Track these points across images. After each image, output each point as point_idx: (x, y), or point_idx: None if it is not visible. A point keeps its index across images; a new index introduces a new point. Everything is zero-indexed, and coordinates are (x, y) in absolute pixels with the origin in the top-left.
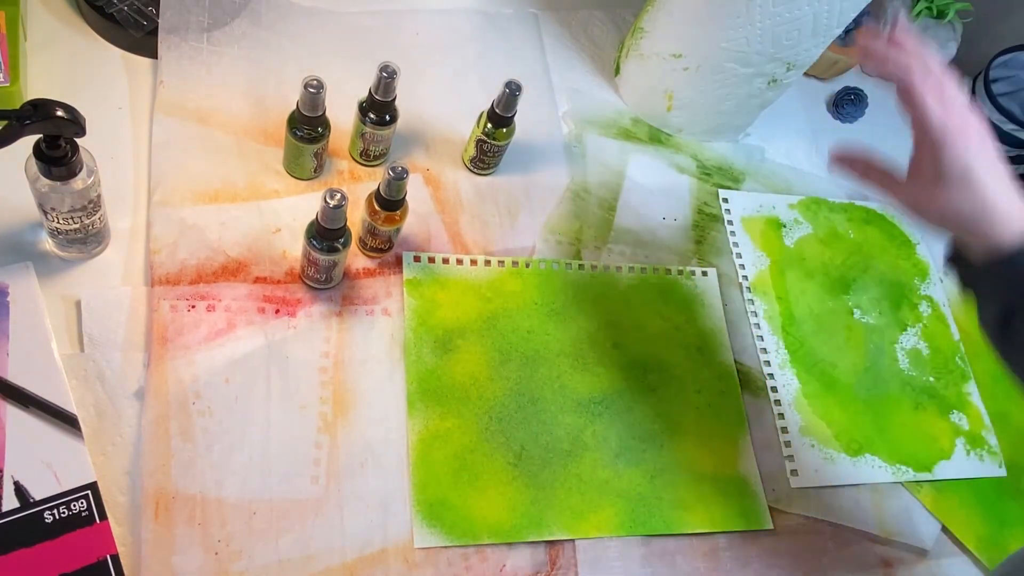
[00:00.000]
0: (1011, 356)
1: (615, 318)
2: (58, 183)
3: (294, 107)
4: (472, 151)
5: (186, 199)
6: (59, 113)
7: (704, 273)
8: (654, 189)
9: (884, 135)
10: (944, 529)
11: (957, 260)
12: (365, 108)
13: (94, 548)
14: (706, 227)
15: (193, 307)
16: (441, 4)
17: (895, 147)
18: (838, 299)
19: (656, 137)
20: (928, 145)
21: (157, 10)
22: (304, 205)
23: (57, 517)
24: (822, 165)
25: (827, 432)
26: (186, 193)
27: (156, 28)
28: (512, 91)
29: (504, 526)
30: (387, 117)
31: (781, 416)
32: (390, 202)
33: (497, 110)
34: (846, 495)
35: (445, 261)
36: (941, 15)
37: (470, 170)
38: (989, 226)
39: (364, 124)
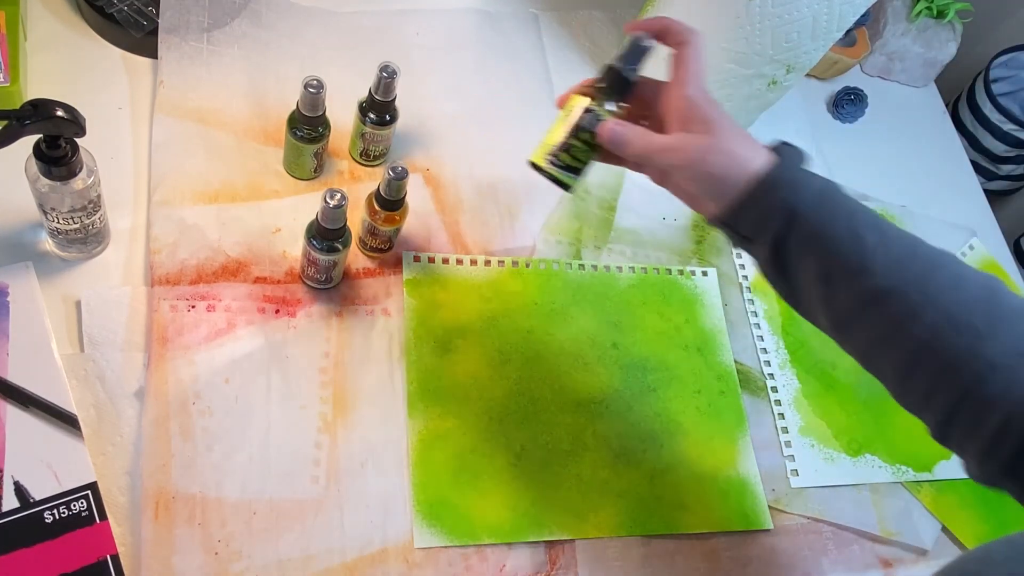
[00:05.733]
0: (796, 292)
1: (615, 318)
2: (58, 183)
3: (294, 107)
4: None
5: (186, 199)
6: (59, 113)
7: (704, 273)
8: (654, 189)
9: (884, 135)
10: (944, 529)
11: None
12: (365, 108)
13: (94, 548)
14: (706, 227)
15: (193, 307)
16: (441, 4)
17: (896, 148)
18: None
19: None
20: (688, 100)
21: (157, 10)
22: (304, 205)
23: (57, 517)
24: (822, 165)
25: (827, 432)
26: (186, 193)
27: (156, 28)
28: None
29: (504, 526)
30: (387, 117)
31: (781, 416)
32: (390, 202)
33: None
34: (846, 495)
35: (445, 261)
36: (941, 15)
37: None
38: (743, 164)
39: (364, 124)
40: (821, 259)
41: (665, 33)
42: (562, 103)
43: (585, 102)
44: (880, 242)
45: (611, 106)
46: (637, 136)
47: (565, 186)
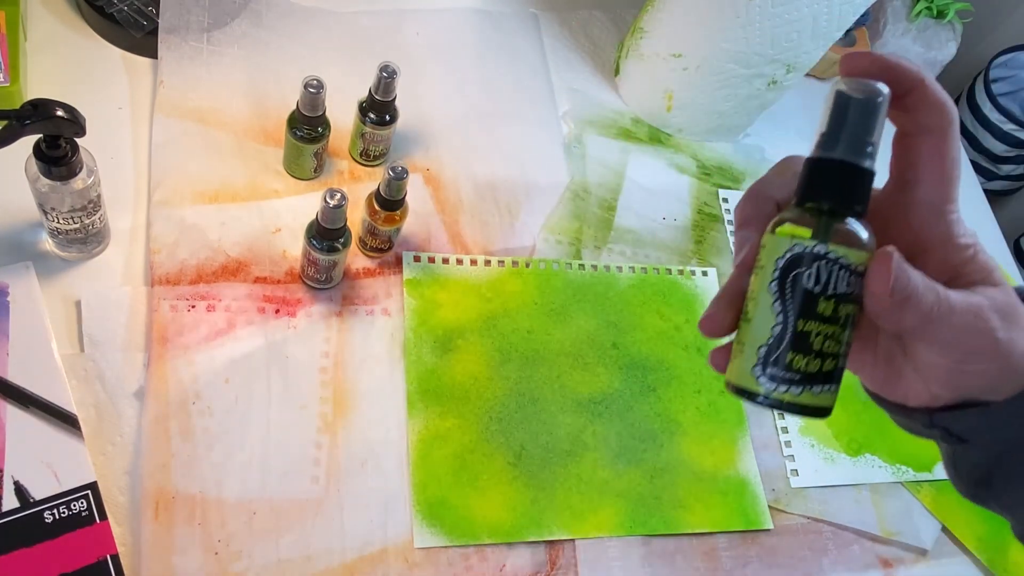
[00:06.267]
0: (990, 500)
1: (615, 318)
2: (58, 183)
3: (294, 107)
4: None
5: (186, 199)
6: (59, 113)
7: (704, 273)
8: (654, 189)
9: (884, 135)
10: (944, 529)
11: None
12: (365, 108)
13: (94, 548)
14: (706, 227)
15: (193, 307)
16: (441, 4)
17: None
18: None
19: (656, 137)
20: (958, 231)
21: (157, 10)
22: (304, 205)
23: (57, 517)
24: None
25: (827, 432)
26: (186, 193)
27: (156, 28)
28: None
29: (504, 526)
30: (387, 117)
31: (781, 416)
32: (390, 202)
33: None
34: (846, 495)
35: (445, 261)
36: (941, 15)
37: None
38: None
39: (364, 124)
40: None
41: (900, 89)
42: (751, 259)
43: (802, 244)
44: None
45: (861, 230)
46: (928, 291)
47: (819, 411)
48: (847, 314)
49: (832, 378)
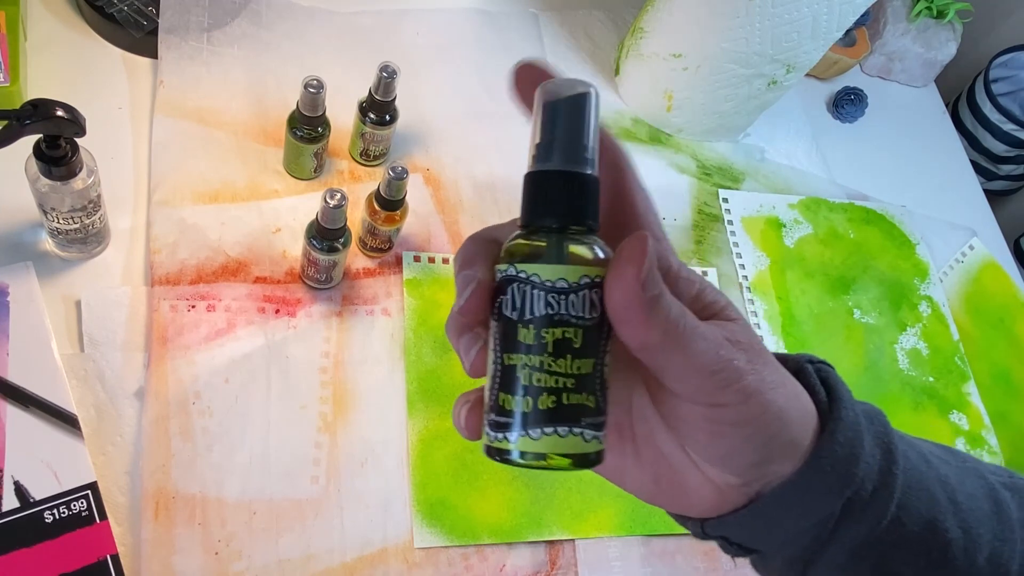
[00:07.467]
0: None
1: None
2: (58, 183)
3: (294, 107)
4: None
5: (186, 199)
6: (59, 113)
7: (704, 273)
8: (654, 189)
9: (884, 135)
10: None
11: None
12: (365, 108)
13: (94, 548)
14: (706, 227)
15: (193, 307)
16: (441, 4)
17: (896, 148)
18: (838, 299)
19: (656, 137)
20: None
21: (157, 10)
22: (304, 205)
23: (57, 517)
24: (822, 165)
25: None
26: (186, 193)
27: (156, 28)
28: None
29: (504, 526)
30: (387, 117)
31: None
32: (390, 202)
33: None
34: None
35: (445, 261)
36: (941, 15)
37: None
38: (807, 405)
39: (364, 124)
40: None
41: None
42: (473, 304)
43: (500, 270)
44: (953, 505)
45: (594, 247)
46: (674, 303)
47: (583, 460)
48: (555, 340)
49: (561, 418)
